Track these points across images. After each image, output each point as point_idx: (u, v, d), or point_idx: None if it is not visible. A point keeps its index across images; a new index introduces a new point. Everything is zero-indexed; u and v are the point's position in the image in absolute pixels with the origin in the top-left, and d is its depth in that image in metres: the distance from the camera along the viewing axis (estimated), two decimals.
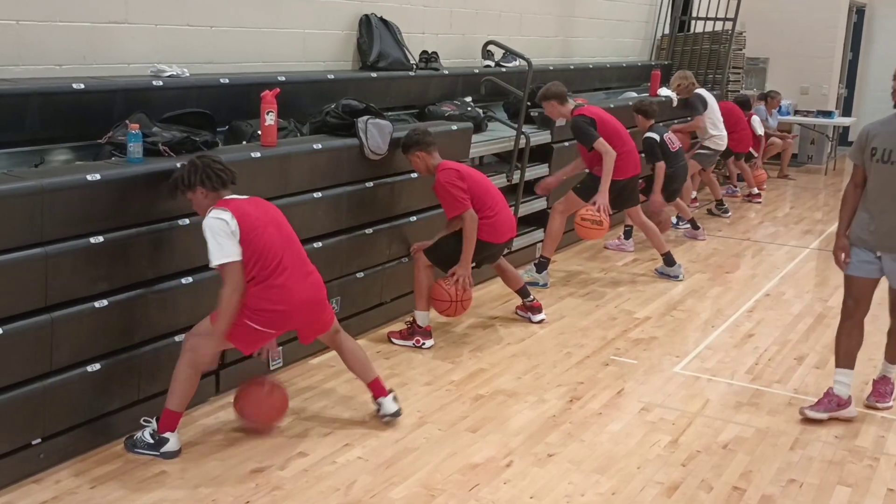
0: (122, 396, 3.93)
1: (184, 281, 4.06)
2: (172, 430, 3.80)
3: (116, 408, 3.91)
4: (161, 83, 4.56)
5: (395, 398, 4.21)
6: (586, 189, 6.40)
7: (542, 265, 6.55)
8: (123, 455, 3.80)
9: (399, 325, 5.39)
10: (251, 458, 3.83)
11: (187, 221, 4.01)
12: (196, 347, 3.76)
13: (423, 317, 5.20)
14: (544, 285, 6.48)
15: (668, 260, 6.83)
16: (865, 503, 3.61)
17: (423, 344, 5.18)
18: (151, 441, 3.79)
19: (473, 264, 5.19)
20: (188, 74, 4.75)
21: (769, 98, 11.78)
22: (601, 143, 6.13)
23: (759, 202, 10.14)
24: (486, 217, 5.08)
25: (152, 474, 3.67)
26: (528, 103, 6.81)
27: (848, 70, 14.71)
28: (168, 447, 3.78)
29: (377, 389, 4.19)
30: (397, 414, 4.18)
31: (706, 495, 3.63)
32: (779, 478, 3.79)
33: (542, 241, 6.75)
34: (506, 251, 5.72)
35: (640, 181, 7.13)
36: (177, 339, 4.03)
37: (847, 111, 14.79)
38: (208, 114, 4.51)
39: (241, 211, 3.68)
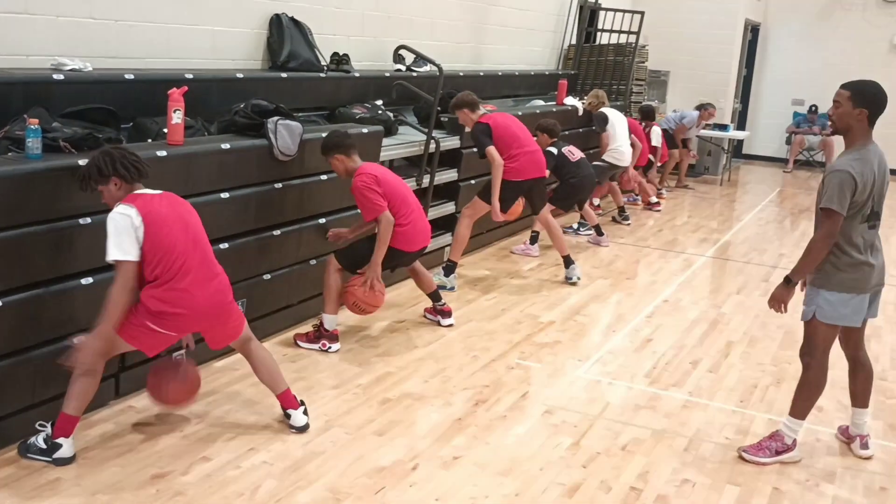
0: (17, 400, 3.79)
1: (83, 281, 3.94)
2: (67, 436, 3.69)
3: (9, 412, 3.77)
4: (62, 77, 4.41)
5: (305, 411, 4.19)
6: (488, 192, 6.53)
7: (449, 269, 6.63)
8: (17, 461, 3.67)
9: (307, 328, 5.35)
10: (152, 464, 3.75)
11: (89, 220, 3.90)
12: (82, 346, 3.64)
13: (331, 320, 5.19)
14: (451, 289, 6.55)
15: (567, 262, 7.03)
16: (753, 501, 3.80)
17: (330, 348, 5.16)
18: (44, 446, 3.67)
19: (389, 269, 5.22)
20: (91, 69, 4.61)
21: (704, 109, 12.12)
22: (491, 151, 6.34)
23: (659, 210, 10.50)
24: (399, 225, 5.11)
25: (47, 481, 3.55)
26: (439, 108, 6.88)
27: (743, 85, 15.39)
28: (61, 453, 3.66)
29: (287, 401, 4.16)
30: (305, 428, 4.15)
31: (605, 496, 3.75)
32: (673, 478, 3.95)
33: (450, 244, 6.83)
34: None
35: (549, 189, 7.34)
36: (76, 341, 3.90)
37: (742, 125, 15.47)
38: (112, 110, 4.39)
39: (148, 207, 3.60)
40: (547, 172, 6.96)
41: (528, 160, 6.54)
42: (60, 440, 3.67)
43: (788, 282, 4.11)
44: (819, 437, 4.47)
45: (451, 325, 5.77)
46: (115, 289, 3.56)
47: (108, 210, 3.76)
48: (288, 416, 4.15)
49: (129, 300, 3.59)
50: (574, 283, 6.96)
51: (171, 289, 3.64)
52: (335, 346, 5.18)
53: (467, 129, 6.90)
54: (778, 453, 4.14)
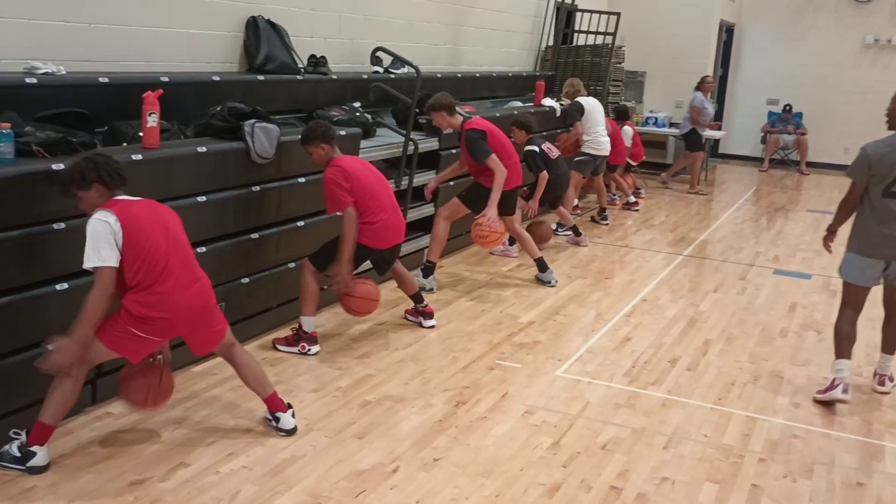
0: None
1: (58, 287, 3.90)
2: (42, 444, 3.65)
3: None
4: (35, 81, 4.35)
5: (293, 414, 4.18)
6: (471, 197, 6.53)
7: (428, 270, 6.63)
8: None
9: (286, 332, 5.33)
10: (129, 471, 3.71)
11: (62, 225, 3.86)
12: (59, 349, 3.58)
13: (309, 322, 5.17)
14: (431, 290, 6.55)
15: (541, 265, 7.04)
16: (732, 498, 3.82)
17: (309, 350, 5.14)
18: (18, 454, 3.63)
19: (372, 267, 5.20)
20: (64, 72, 4.56)
21: (703, 83, 12.12)
22: (493, 160, 6.28)
23: (637, 209, 10.55)
24: (368, 222, 5.07)
25: (21, 490, 3.51)
26: (417, 110, 6.87)
27: (718, 86, 15.50)
28: (35, 461, 3.62)
29: (275, 405, 4.14)
30: (294, 430, 4.14)
31: (585, 495, 3.76)
32: (653, 476, 3.97)
33: (428, 246, 6.82)
34: (398, 256, 5.73)
35: (524, 189, 7.34)
36: (50, 348, 3.86)
37: None
38: (86, 114, 4.35)
39: (126, 213, 3.58)
40: (522, 181, 6.91)
41: (512, 172, 6.51)
42: (35, 448, 3.63)
43: (828, 231, 5.21)
44: (796, 434, 4.51)
45: (433, 327, 5.77)
46: (93, 295, 3.51)
47: (83, 215, 3.74)
48: (277, 420, 4.13)
49: (108, 306, 3.56)
50: (552, 286, 6.96)
51: (154, 293, 3.61)
52: (315, 349, 5.17)
53: (445, 132, 6.91)
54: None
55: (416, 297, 5.78)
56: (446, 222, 6.65)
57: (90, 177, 3.58)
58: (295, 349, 5.15)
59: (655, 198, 11.71)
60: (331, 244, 5.19)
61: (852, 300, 4.98)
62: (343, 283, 5.07)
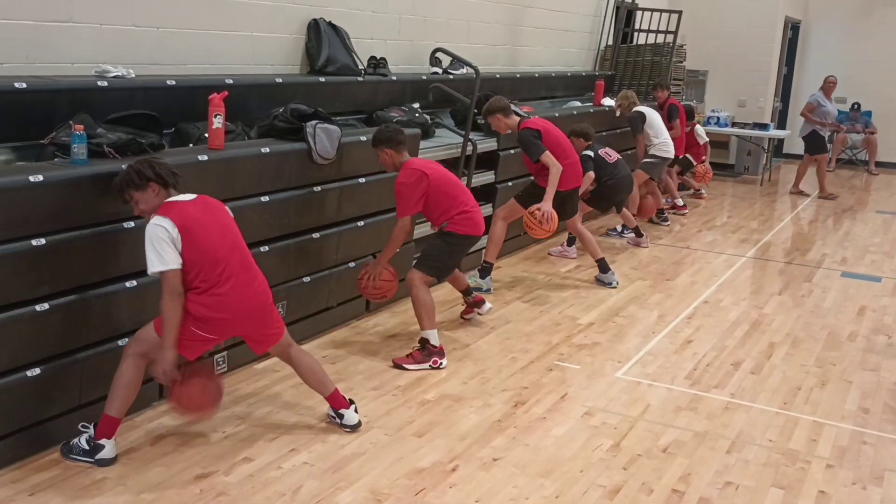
0: (63, 402, 3.85)
1: (128, 284, 4.01)
2: (109, 437, 3.73)
3: (56, 413, 3.84)
4: (106, 84, 4.49)
5: (355, 409, 4.21)
6: (528, 197, 6.51)
7: (485, 270, 6.62)
8: (62, 462, 3.73)
9: (405, 350, 5.11)
10: (195, 464, 3.79)
11: (132, 224, 3.96)
12: (141, 353, 3.68)
13: (434, 335, 5.04)
14: (488, 290, 6.55)
15: (603, 266, 6.97)
16: None
17: (441, 364, 5.01)
18: (87, 447, 3.72)
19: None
20: (133, 75, 4.69)
21: (825, 83, 11.92)
22: (547, 156, 6.22)
23: (685, 213, 10.20)
24: (463, 211, 5.11)
25: (92, 481, 3.61)
26: (475, 110, 6.88)
27: (783, 84, 15.17)
28: (103, 454, 3.71)
29: (338, 402, 4.18)
30: (358, 426, 4.18)
31: (647, 498, 3.72)
32: (716, 480, 3.90)
33: (485, 247, 6.82)
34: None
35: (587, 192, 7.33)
36: (120, 343, 3.98)
37: (782, 124, 15.25)
38: (154, 115, 4.45)
39: (182, 216, 3.61)
40: (583, 181, 6.90)
41: (568, 171, 6.46)
42: (103, 441, 3.72)
43: None
44: (865, 440, 4.38)
45: (489, 310, 5.81)
46: (165, 301, 3.56)
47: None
48: (341, 416, 4.17)
49: (181, 306, 3.60)
50: (613, 287, 6.90)
51: (213, 294, 3.66)
52: (445, 361, 5.05)
53: (504, 135, 6.88)
54: None
55: (467, 291, 5.79)
56: (504, 223, 6.64)
57: (147, 174, 3.62)
58: (426, 365, 5.00)
59: (717, 198, 11.51)
60: (430, 247, 5.23)
61: None
62: (374, 279, 5.12)
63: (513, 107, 6.51)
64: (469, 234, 5.19)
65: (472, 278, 6.49)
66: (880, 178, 14.03)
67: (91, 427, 3.76)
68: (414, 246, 6.08)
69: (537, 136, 6.28)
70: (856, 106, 14.53)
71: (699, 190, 11.31)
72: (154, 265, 3.55)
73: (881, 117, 14.41)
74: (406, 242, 5.83)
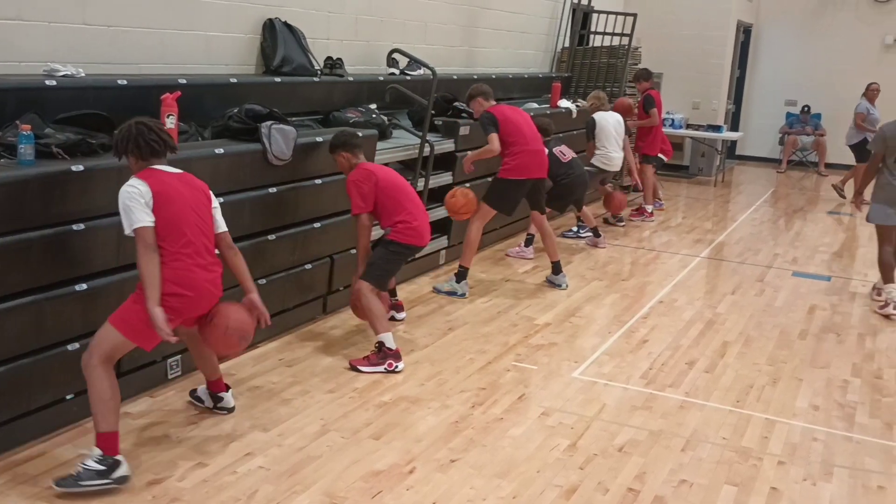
0: (13, 407, 3.76)
1: (77, 288, 3.93)
2: (118, 454, 3.54)
3: (5, 420, 3.75)
4: (55, 83, 4.39)
5: (232, 393, 4.32)
6: (491, 195, 6.53)
7: (461, 275, 6.60)
8: (11, 469, 3.64)
9: (364, 352, 5.07)
10: (147, 470, 3.73)
11: (82, 226, 3.88)
12: (104, 358, 3.52)
13: (389, 338, 5.04)
14: (462, 295, 6.53)
15: (556, 268, 7.02)
16: (751, 501, 3.80)
17: (396, 367, 4.99)
18: (102, 468, 3.48)
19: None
20: (84, 74, 4.60)
21: (868, 90, 12.05)
22: (492, 138, 6.36)
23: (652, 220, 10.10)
24: (405, 221, 5.12)
25: (41, 489, 3.52)
26: (433, 111, 6.88)
27: (736, 86, 15.43)
28: (121, 471, 3.52)
29: (219, 386, 4.28)
30: (234, 409, 4.31)
31: (602, 497, 3.75)
32: (671, 478, 3.94)
33: (445, 248, 6.82)
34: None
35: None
36: (69, 347, 3.90)
37: (735, 126, 15.52)
38: (105, 115, 4.37)
39: (160, 183, 3.58)
40: (545, 173, 6.94)
41: (528, 159, 6.51)
42: (119, 457, 3.53)
43: (857, 194, 7.48)
44: (816, 437, 4.47)
45: (403, 319, 5.83)
46: (141, 258, 3.50)
47: (103, 216, 3.79)
48: (220, 399, 4.28)
49: (158, 262, 3.51)
50: (563, 289, 6.93)
51: (176, 269, 3.58)
52: (401, 365, 5.02)
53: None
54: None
55: (392, 292, 5.83)
56: (479, 225, 6.62)
57: (120, 148, 3.64)
58: (381, 368, 4.97)
59: (672, 199, 11.66)
60: (373, 256, 5.21)
61: (885, 237, 6.76)
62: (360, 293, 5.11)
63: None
64: (410, 244, 5.20)
65: (448, 283, 6.50)
66: (830, 180, 14.34)
67: (92, 451, 3.53)
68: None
69: (492, 121, 6.40)
70: (806, 108, 14.83)
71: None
72: (127, 227, 3.52)
73: (830, 119, 14.72)
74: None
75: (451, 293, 6.48)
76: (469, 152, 6.76)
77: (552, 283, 7.00)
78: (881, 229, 6.77)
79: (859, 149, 11.81)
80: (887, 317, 6.62)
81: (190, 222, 3.66)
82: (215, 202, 3.91)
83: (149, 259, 3.51)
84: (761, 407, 4.81)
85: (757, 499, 3.81)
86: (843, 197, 12.12)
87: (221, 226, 3.93)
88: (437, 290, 6.57)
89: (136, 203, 3.52)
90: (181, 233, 3.61)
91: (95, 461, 3.50)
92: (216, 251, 3.88)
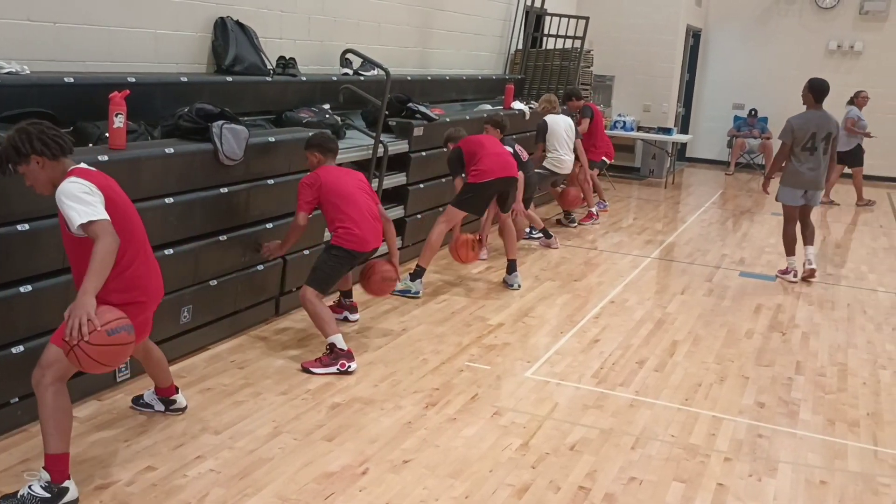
0: None
1: (22, 290, 3.84)
2: (68, 478, 3.36)
3: None
4: None
5: (181, 393, 4.33)
6: (460, 198, 6.62)
7: (417, 274, 6.61)
8: None
9: (315, 354, 5.09)
10: (95, 475, 3.67)
11: (27, 227, 3.81)
12: (57, 377, 3.30)
13: (340, 339, 5.01)
14: (416, 293, 6.53)
15: (511, 267, 7.08)
16: (698, 497, 3.87)
17: (349, 367, 4.97)
18: (47, 495, 3.29)
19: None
20: (29, 72, 4.50)
21: (857, 97, 12.35)
22: (455, 184, 6.75)
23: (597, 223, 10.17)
24: (345, 227, 5.12)
25: None
26: (386, 112, 6.87)
27: (685, 90, 15.68)
28: (69, 497, 3.34)
29: (171, 391, 4.26)
30: (186, 408, 4.32)
31: (554, 496, 3.79)
32: (620, 476, 4.00)
33: (399, 248, 6.79)
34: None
35: None
36: (14, 350, 3.82)
37: (685, 129, 15.76)
38: (50, 114, 4.29)
39: (103, 183, 3.33)
40: (516, 172, 6.95)
41: (492, 161, 6.62)
42: (66, 484, 3.34)
43: (766, 179, 8.30)
44: (761, 433, 4.57)
45: (357, 321, 5.86)
46: (102, 244, 3.12)
47: (48, 216, 3.69)
48: (173, 402, 4.26)
49: (116, 253, 3.20)
50: (515, 289, 6.98)
51: (130, 276, 3.40)
52: (353, 365, 5.00)
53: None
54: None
55: (347, 294, 5.89)
56: (444, 228, 6.68)
57: (25, 149, 3.24)
58: (333, 369, 4.95)
59: (623, 200, 11.81)
60: (317, 261, 5.24)
61: (790, 217, 7.83)
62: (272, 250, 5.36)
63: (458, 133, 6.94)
64: (352, 250, 5.19)
65: (403, 281, 6.48)
66: (775, 182, 14.58)
67: (39, 473, 3.36)
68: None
69: (457, 158, 6.71)
70: (753, 112, 15.13)
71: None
72: (82, 216, 3.15)
73: (777, 123, 14.96)
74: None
75: (405, 292, 6.48)
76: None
77: (506, 283, 7.05)
78: (788, 209, 7.78)
79: (853, 154, 12.25)
80: (788, 281, 7.81)
81: (136, 220, 3.55)
82: None
83: (111, 246, 3.16)
84: (709, 405, 4.91)
85: (704, 494, 3.89)
86: (872, 203, 12.68)
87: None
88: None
89: (89, 196, 3.21)
90: (132, 234, 3.47)
91: (42, 487, 3.32)
92: None
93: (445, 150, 7.06)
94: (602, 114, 10.80)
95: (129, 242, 3.41)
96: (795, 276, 7.82)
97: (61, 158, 3.33)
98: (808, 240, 7.93)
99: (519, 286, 7.02)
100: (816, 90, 7.57)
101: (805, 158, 7.53)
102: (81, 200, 3.20)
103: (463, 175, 6.69)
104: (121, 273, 3.35)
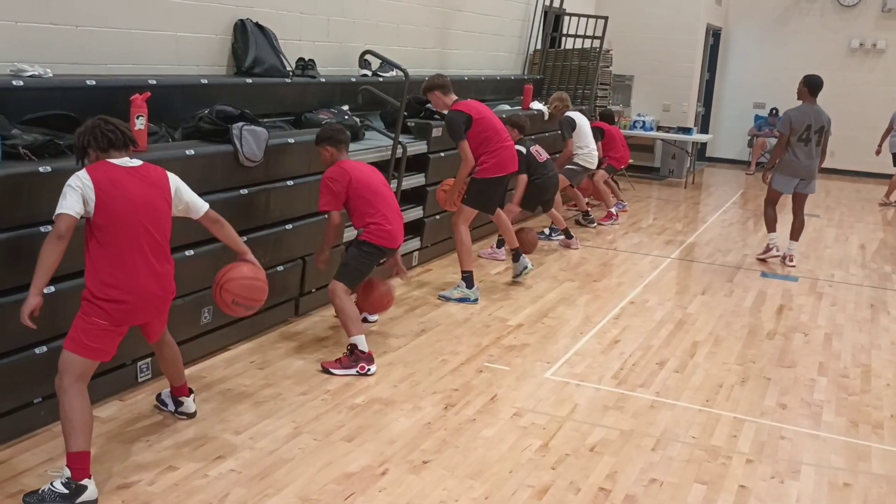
0: None
1: (45, 290, 3.86)
2: (89, 476, 3.43)
3: None
4: (21, 83, 4.33)
5: (194, 399, 4.30)
6: (471, 196, 6.55)
7: (468, 280, 6.56)
8: None
9: (335, 355, 5.05)
10: (117, 474, 3.70)
11: (49, 228, 3.82)
12: (76, 378, 3.44)
13: (363, 341, 5.02)
14: (475, 300, 6.50)
15: (516, 255, 7.06)
16: (720, 499, 3.84)
17: (369, 370, 4.97)
18: (65, 491, 3.37)
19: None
20: (51, 75, 4.54)
21: None
22: (464, 146, 6.30)
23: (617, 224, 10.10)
24: (377, 223, 5.12)
25: (6, 495, 3.48)
26: (405, 113, 6.87)
27: (705, 89, 15.58)
28: (86, 496, 3.40)
29: (183, 391, 4.25)
30: (195, 414, 4.27)
31: (574, 497, 3.77)
32: (641, 478, 3.98)
33: (418, 249, 6.82)
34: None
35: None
36: (36, 351, 3.86)
37: (704, 128, 15.66)
38: (73, 116, 4.32)
39: (106, 176, 3.48)
40: (517, 170, 6.94)
41: (506, 154, 6.53)
42: (85, 482, 3.40)
43: (766, 170, 8.55)
44: (783, 435, 4.53)
45: (376, 321, 5.86)
46: (47, 245, 3.39)
47: None
48: (181, 404, 4.25)
49: (60, 253, 3.39)
50: (527, 273, 6.98)
51: (117, 273, 3.47)
52: (373, 368, 5.00)
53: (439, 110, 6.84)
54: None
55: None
56: (465, 227, 6.60)
57: (80, 144, 3.57)
58: (353, 370, 4.95)
59: (643, 201, 11.75)
60: (347, 256, 5.27)
61: (773, 199, 8.37)
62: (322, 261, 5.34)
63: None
64: (382, 246, 5.19)
65: (457, 289, 6.49)
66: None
67: (62, 471, 3.44)
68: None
69: (462, 120, 6.31)
70: (774, 111, 15.01)
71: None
72: (57, 209, 3.41)
73: None
74: (335, 245, 5.79)
75: (464, 299, 6.45)
76: (446, 182, 6.81)
77: (517, 272, 7.01)
78: (773, 193, 8.31)
79: None
80: (763, 260, 8.41)
81: (136, 221, 3.53)
82: (175, 184, 3.78)
83: (55, 247, 3.38)
84: (730, 406, 4.87)
85: (726, 497, 3.85)
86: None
87: (196, 210, 3.89)
88: (444, 298, 6.51)
89: (72, 191, 3.41)
90: (124, 233, 3.49)
91: (62, 483, 3.40)
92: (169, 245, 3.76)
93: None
94: (617, 127, 10.64)
95: (119, 238, 3.50)
96: (778, 250, 8.38)
97: (110, 150, 3.57)
98: (794, 234, 8.38)
99: (531, 267, 7.01)
100: (812, 85, 7.97)
101: (801, 149, 7.93)
102: (63, 194, 3.43)
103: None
104: (102, 259, 3.50)
